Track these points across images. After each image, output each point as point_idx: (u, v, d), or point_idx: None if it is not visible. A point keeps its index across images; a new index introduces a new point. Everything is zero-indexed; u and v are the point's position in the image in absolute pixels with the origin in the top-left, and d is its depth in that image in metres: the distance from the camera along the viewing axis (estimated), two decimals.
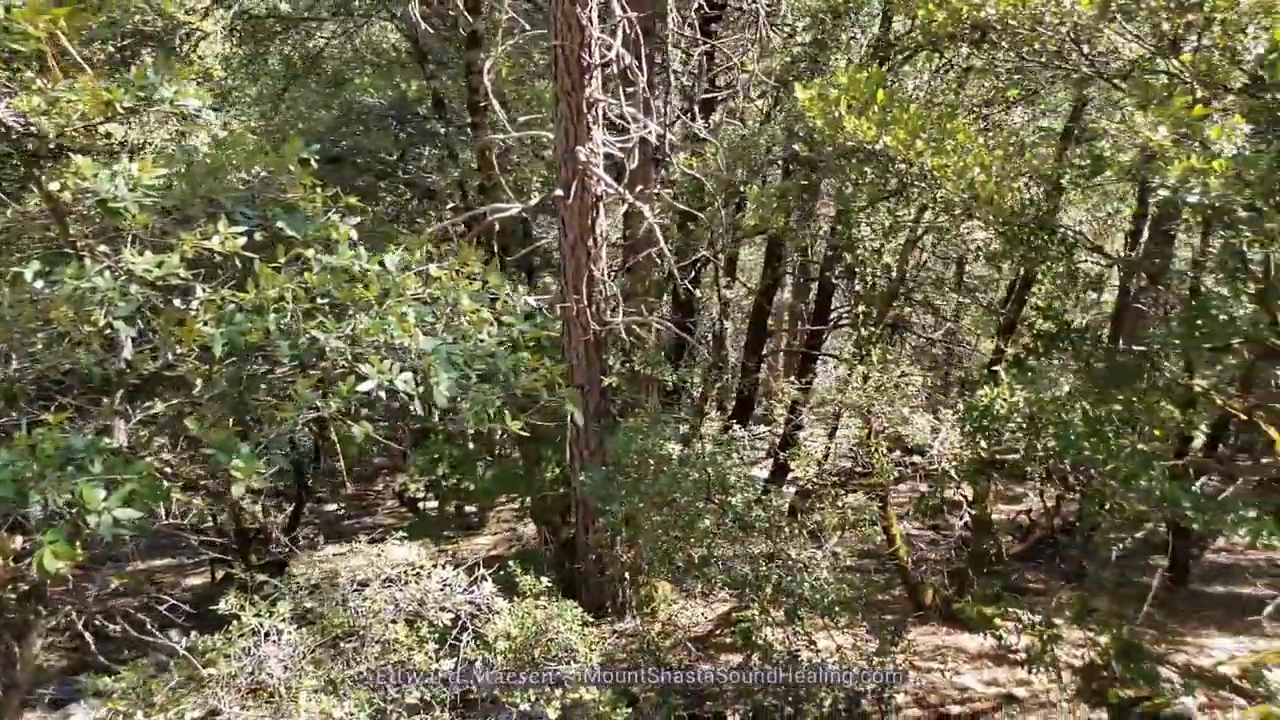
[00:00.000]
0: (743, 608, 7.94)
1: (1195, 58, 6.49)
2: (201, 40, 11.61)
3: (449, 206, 11.41)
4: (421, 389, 3.96)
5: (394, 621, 5.50)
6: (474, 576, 5.92)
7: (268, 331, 3.93)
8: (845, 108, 7.35)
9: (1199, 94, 6.90)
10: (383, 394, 3.88)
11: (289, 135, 5.57)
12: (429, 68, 11.17)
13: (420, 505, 14.27)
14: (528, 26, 8.84)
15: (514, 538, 12.80)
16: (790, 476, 11.86)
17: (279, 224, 4.41)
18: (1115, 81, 7.81)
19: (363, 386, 3.91)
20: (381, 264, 4.33)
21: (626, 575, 8.68)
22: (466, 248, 4.74)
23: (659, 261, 8.98)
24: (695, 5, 9.50)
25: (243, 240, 4.23)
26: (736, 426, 9.37)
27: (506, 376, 4.48)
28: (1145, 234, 13.78)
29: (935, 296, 13.30)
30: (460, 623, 5.67)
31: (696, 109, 10.13)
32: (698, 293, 14.44)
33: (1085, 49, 7.64)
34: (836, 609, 6.97)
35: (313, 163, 4.74)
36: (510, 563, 6.30)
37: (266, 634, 5.26)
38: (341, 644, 5.49)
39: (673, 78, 9.98)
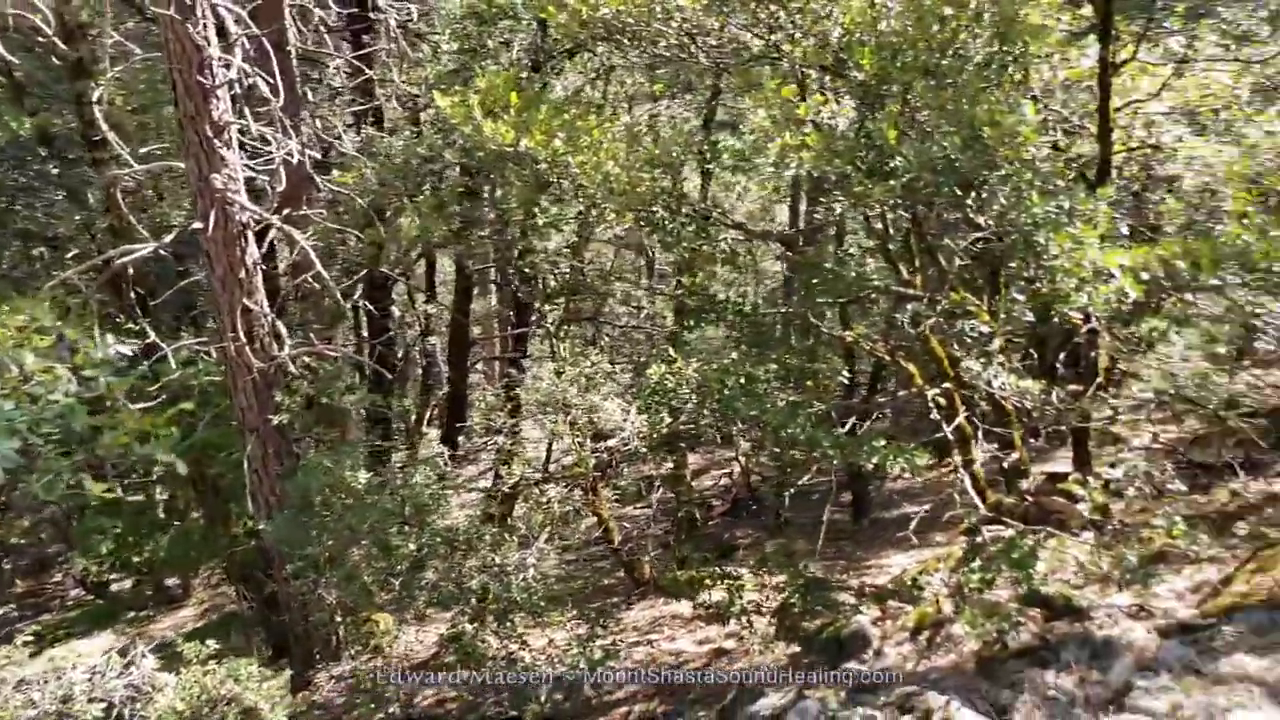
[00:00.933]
0: (457, 624, 7.85)
1: (795, 43, 7.15)
2: None
3: (71, 254, 10.26)
4: None
5: None
6: (129, 658, 5.36)
7: None
8: (483, 113, 7.42)
9: (810, 77, 7.65)
10: None
11: None
12: (31, 102, 9.95)
13: (111, 587, 12.78)
14: (138, 51, 8.12)
15: (222, 603, 11.82)
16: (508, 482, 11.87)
17: None
18: (728, 70, 8.48)
19: None
20: None
21: (337, 617, 8.28)
22: (30, 299, 4.25)
23: (319, 285, 8.62)
24: (317, 19, 9.18)
25: None
26: (437, 443, 9.24)
27: (83, 437, 4.07)
28: (803, 205, 15.20)
29: (629, 286, 13.85)
30: (115, 711, 5.12)
31: (343, 124, 9.83)
32: (396, 311, 14.08)
33: (711, 40, 8.20)
34: (543, 605, 7.07)
35: None
36: (172, 634, 5.79)
37: None
38: None
39: (309, 93, 9.59)
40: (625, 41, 8.70)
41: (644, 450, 8.65)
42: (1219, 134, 11.13)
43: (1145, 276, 6.28)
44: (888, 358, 9.46)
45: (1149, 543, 7.58)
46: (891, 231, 8.51)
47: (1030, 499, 8.82)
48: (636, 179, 7.00)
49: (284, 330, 8.05)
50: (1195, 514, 8.52)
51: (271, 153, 8.17)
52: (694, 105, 13.23)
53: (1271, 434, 9.71)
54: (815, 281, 7.11)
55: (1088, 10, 8.94)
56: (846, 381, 10.49)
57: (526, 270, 9.22)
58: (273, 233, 8.34)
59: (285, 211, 8.15)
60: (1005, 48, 7.17)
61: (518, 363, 11.54)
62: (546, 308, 9.84)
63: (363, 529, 7.13)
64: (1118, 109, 9.92)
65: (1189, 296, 8.03)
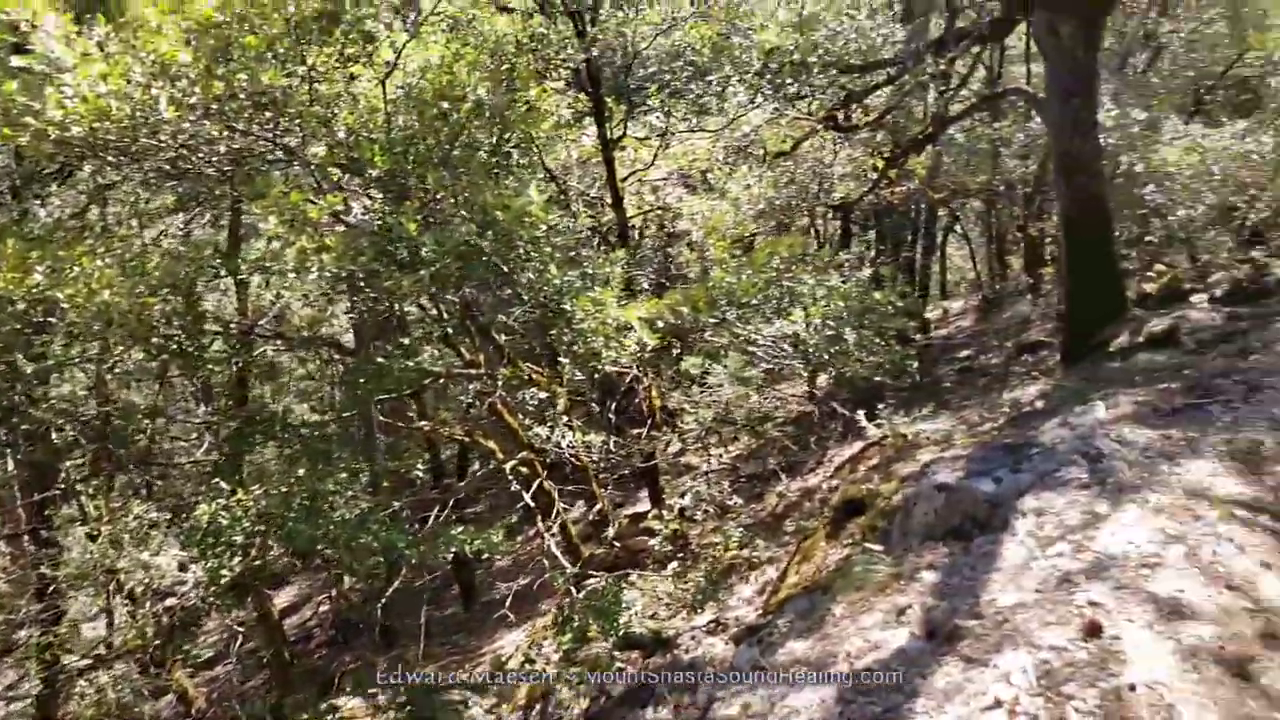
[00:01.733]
0: None
1: (307, 145, 6.92)
2: None
3: None
4: None
5: None
6: None
7: None
8: None
9: (335, 176, 7.44)
10: None
11: None
12: None
13: None
14: None
15: None
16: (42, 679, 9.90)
17: None
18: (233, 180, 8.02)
19: None
20: None
21: None
22: None
23: None
24: None
25: None
26: None
27: None
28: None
29: (183, 417, 12.40)
30: None
31: None
32: None
33: (220, 149, 7.62)
34: None
35: None
36: None
37: None
38: None
39: None
40: (112, 159, 7.88)
41: (213, 601, 7.71)
42: (709, 191, 13.02)
43: (660, 325, 7.01)
44: (467, 439, 9.49)
45: (718, 560, 8.38)
46: (447, 316, 8.60)
47: (617, 545, 9.33)
48: (139, 305, 6.30)
49: None
50: (754, 522, 9.61)
51: None
52: (220, 213, 12.35)
53: (801, 437, 11.36)
54: (364, 381, 6.91)
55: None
56: (424, 472, 10.36)
57: (29, 427, 7.84)
58: None
59: None
60: (507, 135, 7.66)
61: (38, 534, 9.75)
62: (68, 463, 8.44)
63: None
64: (624, 179, 11.15)
65: (708, 334, 9.03)
